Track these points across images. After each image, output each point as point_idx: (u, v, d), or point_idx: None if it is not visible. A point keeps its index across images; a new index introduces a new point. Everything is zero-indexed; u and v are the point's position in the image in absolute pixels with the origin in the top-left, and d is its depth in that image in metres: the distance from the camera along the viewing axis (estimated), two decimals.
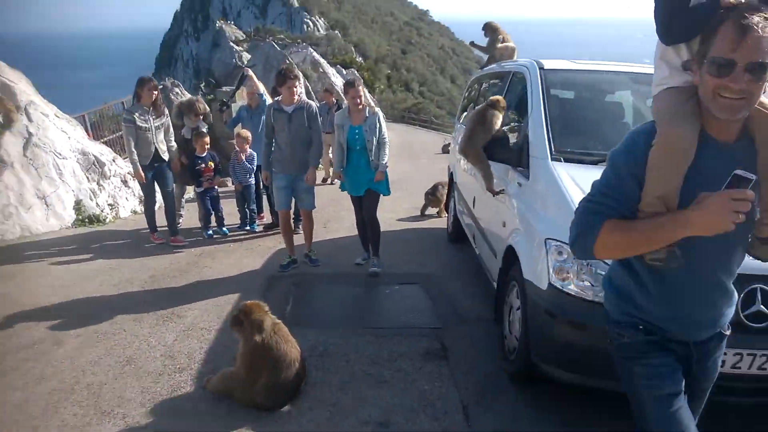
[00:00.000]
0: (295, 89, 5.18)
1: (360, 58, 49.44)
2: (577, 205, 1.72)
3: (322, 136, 5.61)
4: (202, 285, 5.13)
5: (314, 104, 5.40)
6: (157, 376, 3.47)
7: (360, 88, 5.22)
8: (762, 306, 2.59)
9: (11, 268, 5.52)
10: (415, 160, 16.62)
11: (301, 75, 14.68)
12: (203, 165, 6.55)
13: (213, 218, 6.86)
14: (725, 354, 2.53)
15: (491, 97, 4.33)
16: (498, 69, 5.53)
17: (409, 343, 3.95)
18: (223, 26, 38.15)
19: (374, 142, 5.13)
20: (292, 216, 6.10)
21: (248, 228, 7.07)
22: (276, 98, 5.40)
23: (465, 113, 6.53)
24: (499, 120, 4.13)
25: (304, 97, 5.41)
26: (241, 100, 9.41)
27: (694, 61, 1.54)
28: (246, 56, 19.92)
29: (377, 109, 5.34)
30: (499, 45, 6.46)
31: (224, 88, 11.54)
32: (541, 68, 4.08)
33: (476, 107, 4.75)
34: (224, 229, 6.85)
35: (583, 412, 3.15)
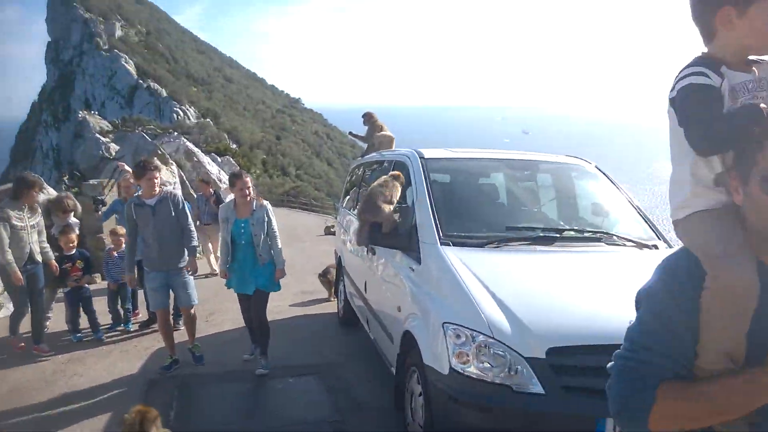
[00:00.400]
0: (155, 181, 4.93)
1: (234, 145, 49.29)
2: (470, 288, 1.63)
3: (202, 228, 5.46)
4: (71, 396, 4.61)
5: (178, 193, 5.13)
6: None
7: (247, 179, 4.99)
8: None
9: None
10: (300, 243, 16.51)
11: (174, 165, 14.30)
12: (70, 264, 6.03)
13: (86, 319, 6.25)
14: None
15: (392, 172, 4.41)
16: (379, 157, 5.75)
17: None
18: (87, 117, 36.56)
19: (262, 236, 4.96)
20: (172, 312, 5.73)
21: (122, 327, 6.52)
22: (135, 193, 5.10)
23: (347, 197, 6.67)
24: (398, 191, 4.23)
25: (166, 187, 5.16)
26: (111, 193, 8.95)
27: (732, 175, 1.24)
28: (114, 147, 19.11)
29: (265, 202, 5.16)
30: (378, 133, 6.76)
31: (91, 182, 10.88)
32: (422, 157, 4.31)
33: (368, 188, 4.80)
34: (99, 334, 6.22)
35: None
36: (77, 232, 6.40)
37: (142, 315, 6.86)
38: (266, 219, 5.00)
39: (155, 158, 5.18)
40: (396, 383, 3.84)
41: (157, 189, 4.98)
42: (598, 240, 3.87)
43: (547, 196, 4.57)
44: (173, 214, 4.98)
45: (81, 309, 6.21)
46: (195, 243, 5.18)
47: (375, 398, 4.46)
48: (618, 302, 3.10)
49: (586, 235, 3.95)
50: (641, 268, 3.49)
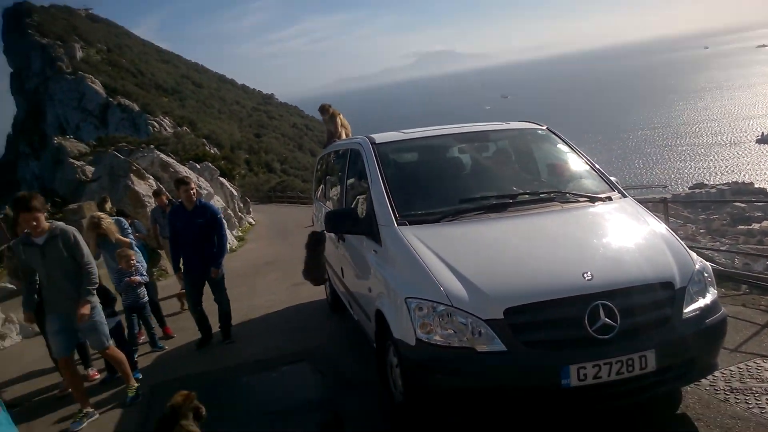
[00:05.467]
0: (39, 216, 4.28)
1: (214, 149, 49.07)
2: (427, 263, 1.73)
3: (164, 242, 5.56)
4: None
5: (70, 229, 4.49)
6: None
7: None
8: (606, 319, 2.96)
9: None
10: (291, 237, 16.65)
11: (152, 178, 14.35)
12: None
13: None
14: (584, 367, 2.87)
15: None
16: (338, 147, 5.91)
17: (303, 421, 4.03)
18: (62, 142, 36.27)
19: None
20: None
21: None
22: (26, 231, 4.44)
23: (321, 186, 6.82)
24: None
25: (56, 222, 4.51)
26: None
27: None
28: (90, 169, 19.09)
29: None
30: (335, 123, 6.93)
31: (71, 206, 10.94)
32: (373, 143, 4.46)
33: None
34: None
35: None
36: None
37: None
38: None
39: (38, 196, 4.39)
40: (377, 358, 4.03)
41: (43, 226, 4.36)
42: (551, 200, 4.03)
43: (502, 165, 4.70)
44: (65, 253, 4.42)
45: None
46: (89, 285, 4.52)
47: (363, 375, 4.67)
48: (569, 257, 3.30)
49: (541, 197, 4.11)
50: (593, 221, 3.70)
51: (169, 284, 7.36)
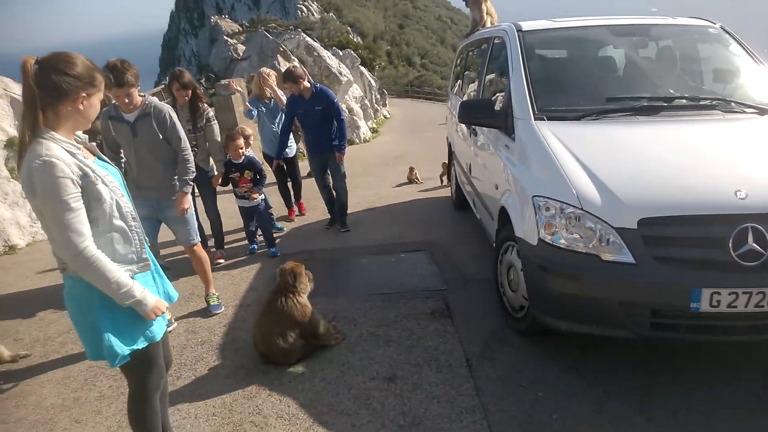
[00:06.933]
0: (132, 92, 3.72)
1: (357, 38, 49.12)
2: (561, 162, 1.57)
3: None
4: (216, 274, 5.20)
5: (166, 107, 3.95)
6: (181, 349, 3.80)
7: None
8: (754, 244, 2.63)
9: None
10: (422, 133, 16.67)
11: (297, 60, 14.72)
12: (238, 174, 5.38)
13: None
14: (719, 293, 2.62)
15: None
16: (480, 35, 5.57)
17: (414, 306, 4.13)
18: (218, 21, 38.18)
19: None
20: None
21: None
22: (113, 103, 3.94)
23: (458, 82, 6.60)
24: None
25: (150, 98, 3.93)
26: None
27: None
28: (241, 48, 19.98)
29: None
30: (480, 10, 6.53)
31: (222, 82, 11.63)
32: (519, 30, 4.14)
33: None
34: (274, 250, 5.66)
35: (584, 356, 3.27)
36: (248, 133, 5.55)
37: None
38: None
39: (132, 68, 3.65)
40: (495, 257, 3.99)
41: (136, 101, 3.83)
42: (713, 107, 3.57)
43: (660, 65, 4.20)
44: (160, 135, 3.93)
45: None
46: (186, 174, 4.09)
47: (479, 273, 4.67)
48: (723, 171, 2.94)
49: (701, 103, 3.65)
50: (758, 136, 3.24)
51: (303, 165, 7.62)
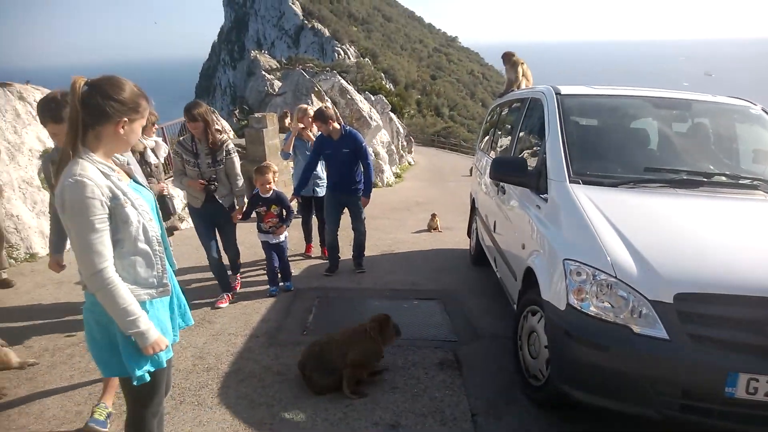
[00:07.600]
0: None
1: (390, 85, 50.06)
2: (596, 226, 1.56)
3: None
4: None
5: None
6: (187, 374, 3.76)
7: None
8: None
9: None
10: (444, 183, 16.72)
11: (329, 101, 14.97)
12: (264, 208, 5.31)
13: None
14: (757, 380, 2.48)
15: None
16: (516, 95, 5.59)
17: (423, 354, 4.05)
18: (258, 56, 39.27)
19: None
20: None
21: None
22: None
23: (487, 138, 6.61)
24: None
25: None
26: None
27: None
28: (277, 84, 20.44)
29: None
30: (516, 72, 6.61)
31: (256, 115, 11.86)
32: (558, 93, 4.13)
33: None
34: (289, 284, 5.63)
35: (595, 427, 3.14)
36: (275, 169, 5.41)
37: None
38: None
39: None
40: (515, 318, 3.88)
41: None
42: (754, 188, 3.50)
43: (697, 142, 4.15)
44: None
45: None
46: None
47: (492, 328, 4.57)
48: (765, 253, 2.82)
49: (741, 182, 3.58)
50: None
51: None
